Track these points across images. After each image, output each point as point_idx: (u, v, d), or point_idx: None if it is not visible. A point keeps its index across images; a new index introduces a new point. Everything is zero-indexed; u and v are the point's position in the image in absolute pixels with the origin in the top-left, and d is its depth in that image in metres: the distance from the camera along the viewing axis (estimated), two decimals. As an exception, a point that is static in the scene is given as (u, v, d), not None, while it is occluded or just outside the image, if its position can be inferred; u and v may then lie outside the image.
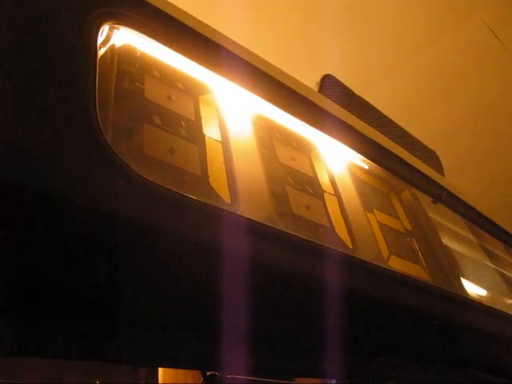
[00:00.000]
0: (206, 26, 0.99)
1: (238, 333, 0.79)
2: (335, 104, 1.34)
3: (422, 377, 1.27)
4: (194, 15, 0.98)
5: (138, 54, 0.92)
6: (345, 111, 1.36)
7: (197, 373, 1.44)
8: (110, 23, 0.83)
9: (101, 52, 0.82)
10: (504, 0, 3.56)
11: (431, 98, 3.75)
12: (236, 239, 0.76)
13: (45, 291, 0.62)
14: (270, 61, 1.11)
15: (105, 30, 0.83)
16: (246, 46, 1.06)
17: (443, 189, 1.66)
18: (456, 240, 1.67)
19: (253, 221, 0.81)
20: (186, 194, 0.72)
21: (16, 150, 0.58)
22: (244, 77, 1.03)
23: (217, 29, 1.01)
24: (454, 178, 2.04)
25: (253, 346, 0.83)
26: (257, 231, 0.80)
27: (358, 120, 1.38)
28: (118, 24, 0.85)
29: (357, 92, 1.84)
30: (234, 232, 0.76)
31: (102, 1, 0.81)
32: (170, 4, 0.93)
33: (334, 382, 1.42)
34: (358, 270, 0.99)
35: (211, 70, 0.98)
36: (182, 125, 0.90)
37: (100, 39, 0.79)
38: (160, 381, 1.48)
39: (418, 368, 1.24)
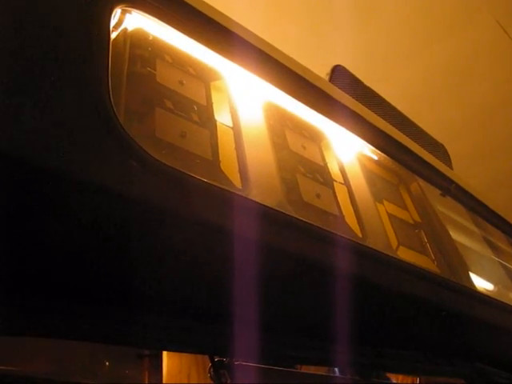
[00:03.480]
0: (219, 12, 0.99)
1: (247, 319, 0.79)
2: (346, 94, 1.33)
3: (428, 368, 1.27)
4: (207, 2, 0.98)
5: (151, 38, 0.92)
6: (355, 101, 1.35)
7: (201, 362, 1.44)
8: (122, 6, 0.83)
9: (113, 35, 0.82)
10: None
11: (441, 91, 3.74)
12: (247, 223, 0.75)
13: (54, 272, 0.62)
14: (282, 50, 1.10)
15: (117, 13, 0.83)
16: (258, 34, 1.06)
17: (452, 182, 1.65)
18: (464, 233, 1.67)
19: (264, 205, 0.81)
20: (198, 177, 0.72)
21: (29, 132, 0.58)
22: (256, 64, 1.03)
23: (229, 16, 1.01)
24: (462, 172, 2.03)
25: (261, 332, 0.83)
26: (268, 216, 0.80)
27: (369, 110, 1.37)
28: (130, 7, 0.85)
29: (367, 83, 1.84)
30: (245, 216, 0.76)
31: (114, -16, 0.81)
32: (183, -11, 0.93)
33: (337, 370, 1.43)
34: (368, 258, 0.98)
35: (223, 55, 0.97)
36: (193, 109, 0.89)
37: (112, 22, 0.79)
38: (164, 369, 1.48)
39: (422, 359, 1.24)
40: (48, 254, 0.61)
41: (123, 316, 0.71)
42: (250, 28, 1.04)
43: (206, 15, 0.95)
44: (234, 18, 1.02)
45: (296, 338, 0.94)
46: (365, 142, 1.29)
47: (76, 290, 0.65)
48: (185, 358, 1.49)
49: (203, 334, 0.79)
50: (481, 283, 1.51)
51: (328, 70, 1.75)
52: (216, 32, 0.96)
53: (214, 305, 0.78)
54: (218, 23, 0.97)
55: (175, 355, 1.49)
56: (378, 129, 1.34)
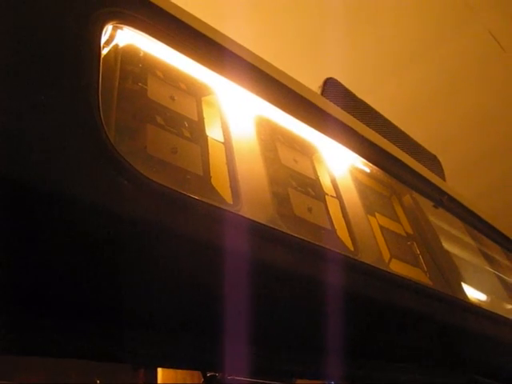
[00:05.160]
0: (210, 27, 0.99)
1: (239, 334, 0.79)
2: (338, 107, 1.34)
3: (422, 380, 1.27)
4: (198, 17, 0.98)
5: (142, 54, 0.92)
6: (347, 114, 1.36)
7: (196, 374, 1.44)
8: (113, 23, 0.83)
9: (104, 51, 0.82)
10: (504, 4, 3.56)
11: (433, 102, 3.75)
12: (238, 240, 0.76)
13: (46, 290, 0.62)
14: (273, 63, 1.11)
15: (108, 29, 0.83)
16: (249, 48, 1.06)
17: (444, 193, 1.66)
18: (456, 244, 1.67)
19: (255, 221, 0.81)
20: (188, 194, 0.72)
21: (19, 149, 0.58)
22: (247, 78, 1.03)
23: (220, 31, 1.02)
24: (455, 183, 2.04)
25: (253, 347, 0.83)
26: (258, 232, 0.80)
27: (361, 123, 1.38)
28: (122, 24, 0.85)
29: (359, 95, 1.84)
30: (236, 232, 0.76)
31: (105, 0, 0.82)
32: (173, 5, 0.94)
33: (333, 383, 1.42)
34: (360, 272, 0.98)
35: (214, 71, 0.98)
36: (184, 125, 0.90)
37: (103, 39, 0.79)
38: (159, 381, 1.48)
39: (417, 371, 1.24)
40: (38, 271, 0.61)
41: (115, 333, 0.71)
42: (241, 42, 1.04)
43: (196, 30, 0.96)
44: (225, 32, 1.02)
45: (289, 351, 0.94)
46: (357, 155, 1.29)
47: (67, 307, 0.65)
48: (180, 370, 1.48)
49: (195, 350, 0.79)
50: (473, 294, 1.52)
51: (320, 82, 1.75)
52: (207, 47, 0.97)
53: (205, 320, 0.78)
54: (209, 38, 0.97)
55: (170, 367, 1.49)
56: (371, 142, 1.34)
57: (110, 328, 0.70)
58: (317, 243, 0.92)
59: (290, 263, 0.84)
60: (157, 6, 0.90)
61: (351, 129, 1.28)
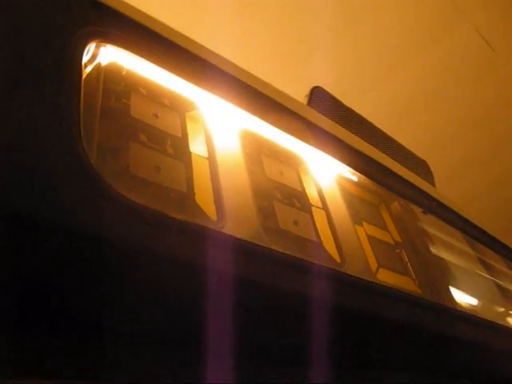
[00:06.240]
0: (193, 41, 0.99)
1: (224, 351, 0.79)
2: (324, 117, 1.34)
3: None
4: (181, 29, 0.98)
5: (125, 72, 0.93)
6: (334, 124, 1.36)
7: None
8: (96, 41, 0.83)
9: (86, 70, 0.82)
10: (494, 6, 3.57)
11: (422, 106, 3.76)
12: (221, 258, 0.76)
13: (28, 310, 0.62)
14: (259, 73, 1.11)
15: (91, 48, 0.83)
16: (233, 58, 1.06)
17: (433, 199, 1.66)
18: (446, 250, 1.67)
19: (239, 239, 0.81)
20: (171, 215, 0.72)
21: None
22: (231, 92, 1.03)
23: (203, 42, 1.02)
24: (445, 188, 2.04)
25: (238, 362, 0.83)
26: (243, 249, 0.80)
27: (348, 132, 1.38)
28: (105, 42, 0.85)
29: (346, 103, 1.85)
30: (219, 251, 0.76)
31: (88, 19, 0.82)
32: (157, 22, 0.94)
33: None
34: (346, 285, 0.99)
35: (198, 85, 0.98)
36: (168, 142, 0.90)
37: (86, 58, 0.79)
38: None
39: (407, 380, 1.24)
40: (22, 294, 0.61)
41: (95, 350, 0.70)
42: (224, 52, 1.04)
43: (180, 46, 0.96)
44: (207, 43, 1.02)
45: (276, 365, 0.94)
46: (344, 165, 1.30)
47: (48, 326, 0.65)
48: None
49: (178, 365, 0.79)
50: (463, 301, 1.52)
51: (307, 91, 1.76)
52: (190, 62, 0.97)
53: (188, 336, 0.78)
54: (192, 53, 0.97)
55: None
56: (358, 151, 1.34)
57: (89, 345, 0.70)
58: (303, 257, 0.92)
59: (276, 280, 0.84)
60: (141, 24, 0.90)
61: (338, 139, 1.28)
